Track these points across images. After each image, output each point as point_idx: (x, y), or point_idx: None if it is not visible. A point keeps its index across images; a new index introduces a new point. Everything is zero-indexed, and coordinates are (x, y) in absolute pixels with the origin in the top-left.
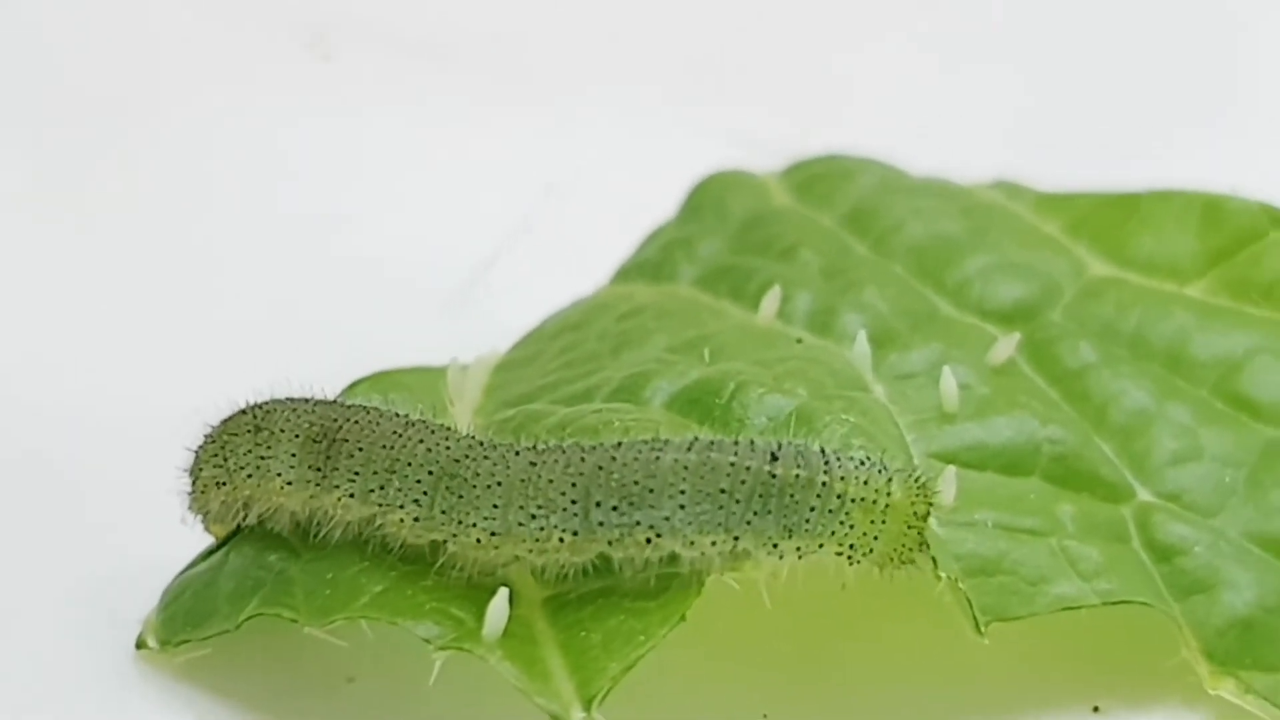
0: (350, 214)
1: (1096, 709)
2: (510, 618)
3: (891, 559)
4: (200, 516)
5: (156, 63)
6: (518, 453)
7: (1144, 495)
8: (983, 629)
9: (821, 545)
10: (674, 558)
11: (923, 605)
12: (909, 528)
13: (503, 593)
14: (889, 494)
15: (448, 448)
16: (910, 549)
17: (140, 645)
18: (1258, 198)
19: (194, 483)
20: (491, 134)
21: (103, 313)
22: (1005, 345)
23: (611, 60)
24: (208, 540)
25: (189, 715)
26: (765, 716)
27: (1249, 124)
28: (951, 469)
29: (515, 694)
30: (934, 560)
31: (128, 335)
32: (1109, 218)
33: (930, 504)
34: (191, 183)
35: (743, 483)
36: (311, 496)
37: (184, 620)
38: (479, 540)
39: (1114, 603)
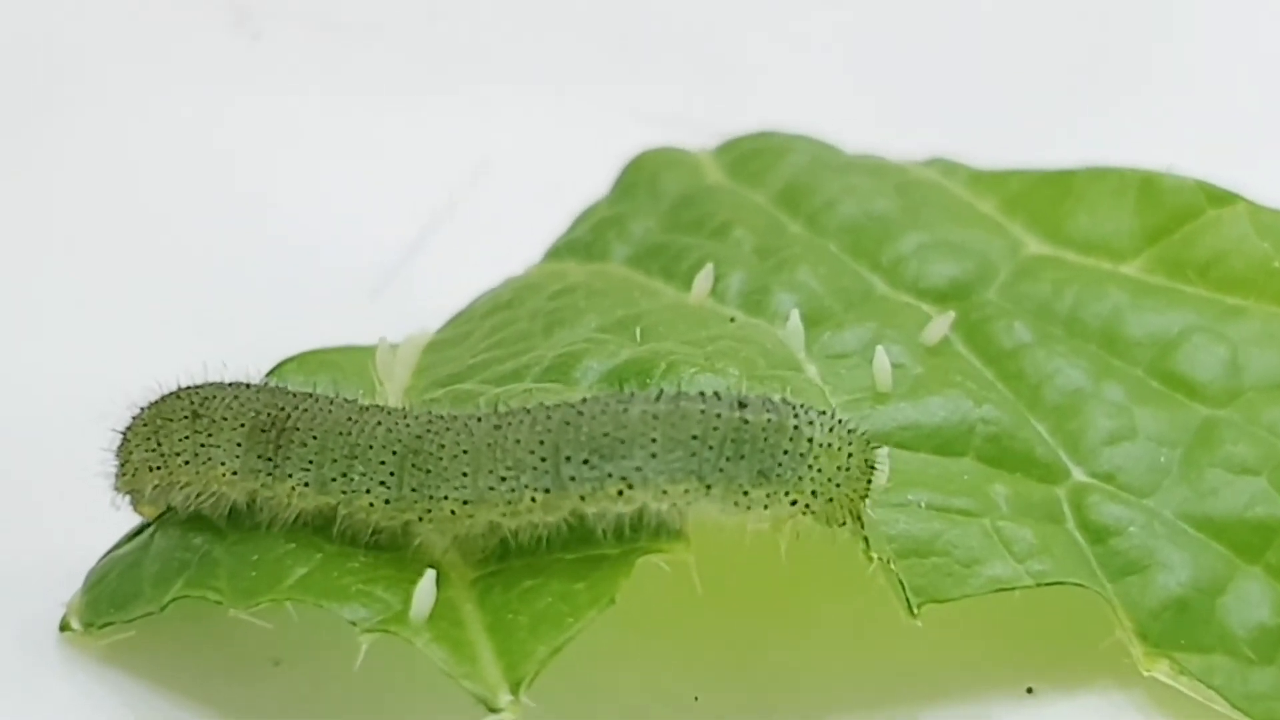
0: (278, 194)
1: (1030, 690)
2: (437, 600)
3: (843, 512)
4: (128, 496)
5: (82, 42)
6: (480, 419)
7: (1078, 475)
8: (916, 611)
9: (787, 493)
10: (643, 512)
11: (855, 587)
12: (862, 480)
13: (430, 574)
14: (850, 441)
15: (408, 425)
16: (857, 505)
17: (64, 627)
18: (1194, 174)
19: (123, 464)
20: (421, 113)
21: (27, 292)
22: (939, 324)
23: (540, 39)
24: (133, 522)
25: (113, 698)
26: (696, 699)
27: (1184, 99)
28: (885, 449)
29: (442, 677)
30: (866, 541)
31: (53, 315)
32: (1044, 195)
33: (875, 458)
34: (116, 163)
35: (715, 429)
36: (262, 486)
37: (108, 602)
38: (453, 512)
39: (1048, 584)
